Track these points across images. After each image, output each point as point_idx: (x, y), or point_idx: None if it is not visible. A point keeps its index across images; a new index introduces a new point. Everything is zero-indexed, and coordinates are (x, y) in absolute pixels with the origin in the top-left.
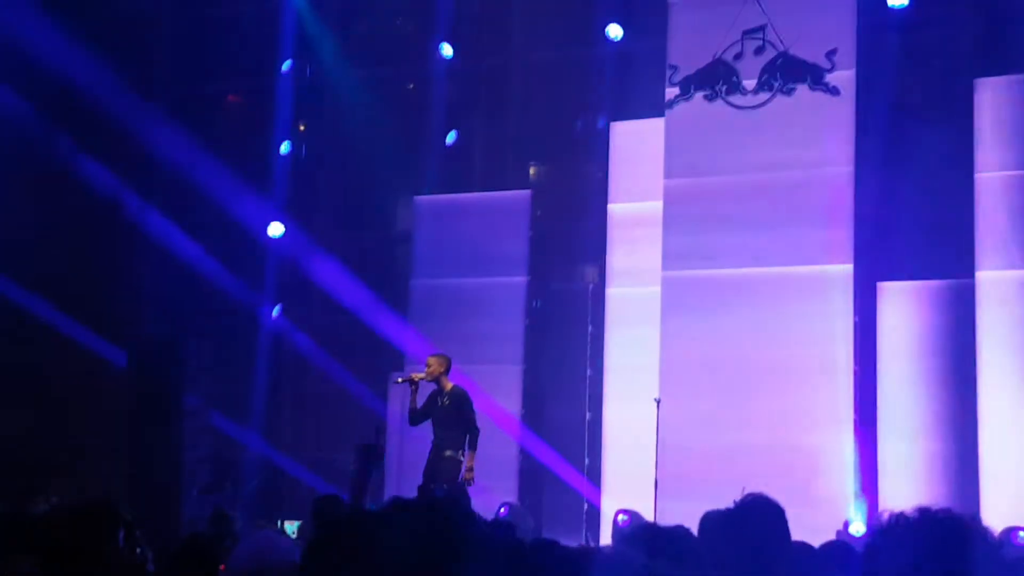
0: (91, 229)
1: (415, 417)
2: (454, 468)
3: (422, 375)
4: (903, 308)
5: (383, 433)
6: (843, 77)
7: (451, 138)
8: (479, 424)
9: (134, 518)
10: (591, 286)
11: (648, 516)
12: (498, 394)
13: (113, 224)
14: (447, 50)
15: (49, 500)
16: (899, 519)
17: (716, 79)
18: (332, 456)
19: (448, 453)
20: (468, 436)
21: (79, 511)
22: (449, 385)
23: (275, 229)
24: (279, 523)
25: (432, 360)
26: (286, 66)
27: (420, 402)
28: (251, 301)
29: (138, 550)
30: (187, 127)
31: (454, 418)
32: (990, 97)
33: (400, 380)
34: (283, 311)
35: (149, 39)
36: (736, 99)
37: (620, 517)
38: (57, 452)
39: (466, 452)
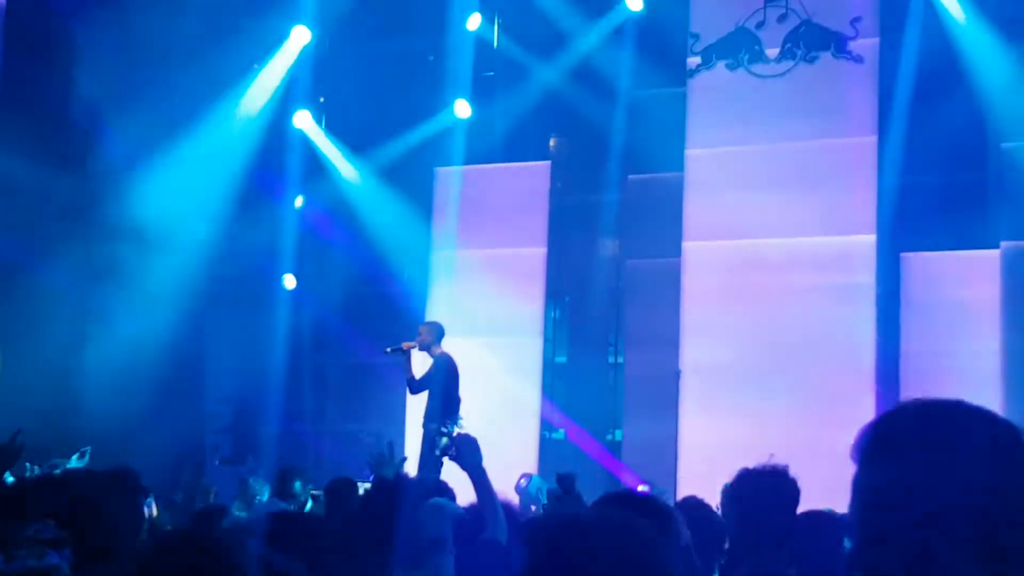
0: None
1: (413, 385)
2: (429, 440)
3: (412, 344)
4: (927, 278)
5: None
6: (867, 45)
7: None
8: (460, 394)
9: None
10: (611, 257)
11: (671, 487)
12: (519, 366)
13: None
14: (474, 22)
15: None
16: None
17: (738, 48)
18: (353, 427)
19: (431, 426)
20: (446, 406)
21: (98, 475)
22: (437, 352)
23: (296, 201)
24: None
25: (422, 328)
26: (306, 38)
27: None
28: (272, 272)
29: (154, 515)
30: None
31: (436, 387)
32: (1016, 65)
33: (389, 350)
34: (304, 283)
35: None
36: (759, 68)
37: (641, 488)
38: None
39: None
